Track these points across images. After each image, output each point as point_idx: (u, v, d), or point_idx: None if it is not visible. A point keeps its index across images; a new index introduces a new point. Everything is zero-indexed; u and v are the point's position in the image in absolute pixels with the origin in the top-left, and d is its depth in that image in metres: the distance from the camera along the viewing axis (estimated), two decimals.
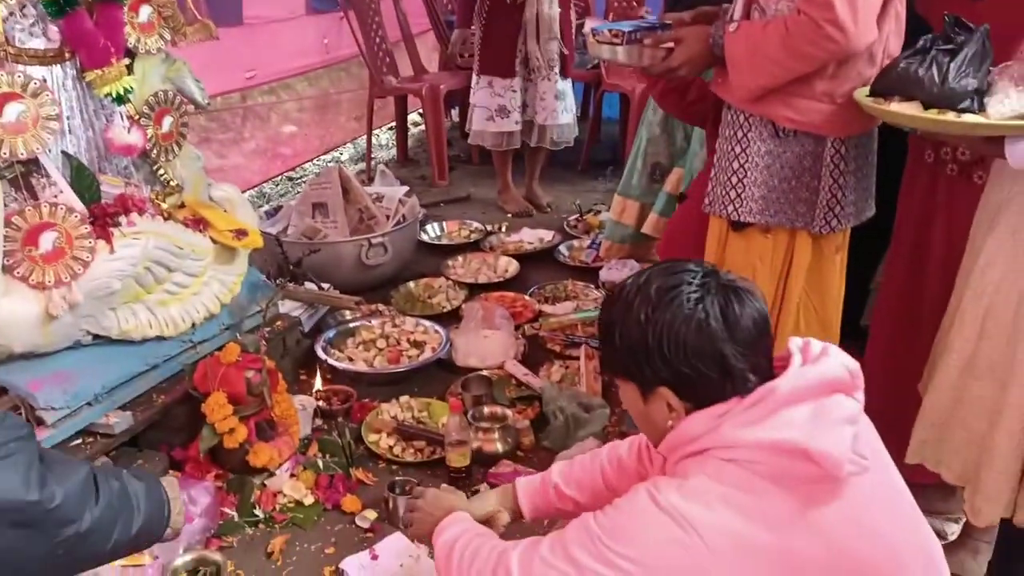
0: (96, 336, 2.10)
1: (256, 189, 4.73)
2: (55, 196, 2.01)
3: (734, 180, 1.91)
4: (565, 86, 4.07)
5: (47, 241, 1.93)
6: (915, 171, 1.97)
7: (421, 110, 5.18)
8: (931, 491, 1.88)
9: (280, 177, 5.01)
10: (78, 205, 2.03)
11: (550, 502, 1.59)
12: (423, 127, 5.25)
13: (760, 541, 1.07)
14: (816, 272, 1.95)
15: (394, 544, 2.00)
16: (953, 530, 2.05)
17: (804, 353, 1.18)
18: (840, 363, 1.16)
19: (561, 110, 4.04)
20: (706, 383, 1.14)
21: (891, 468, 1.21)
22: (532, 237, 3.87)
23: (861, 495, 1.11)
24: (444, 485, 1.69)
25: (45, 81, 2.04)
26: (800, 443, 1.07)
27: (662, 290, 1.16)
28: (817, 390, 1.12)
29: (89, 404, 2.04)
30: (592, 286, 3.35)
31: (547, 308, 3.18)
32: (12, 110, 1.93)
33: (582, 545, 1.14)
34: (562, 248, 3.72)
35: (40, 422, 1.97)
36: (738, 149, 1.90)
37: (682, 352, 1.13)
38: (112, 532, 1.23)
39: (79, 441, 2.02)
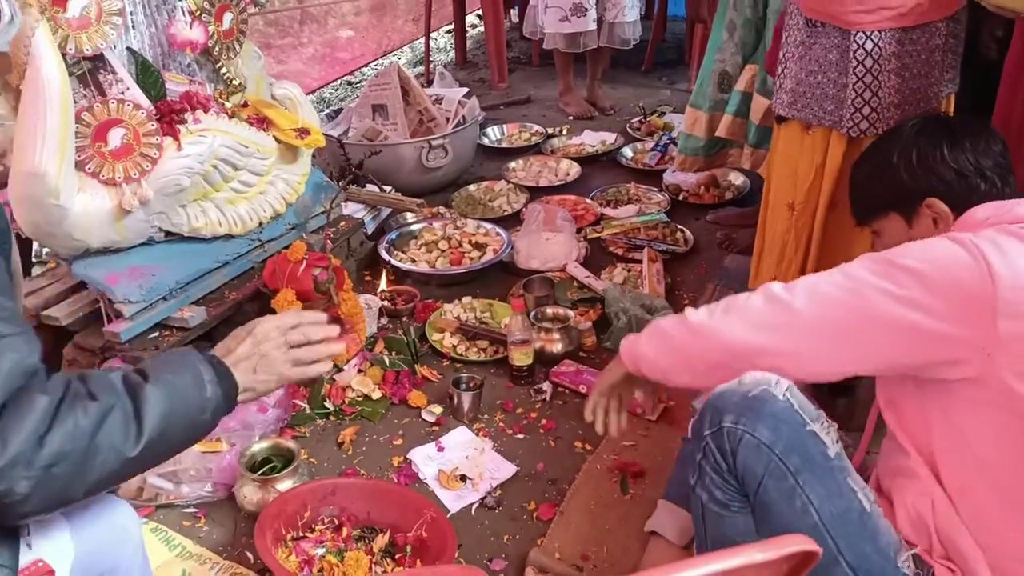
0: (168, 233, 2.15)
1: (316, 94, 4.71)
2: (122, 93, 2.02)
3: (778, 70, 1.85)
4: None
5: (115, 137, 1.95)
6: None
7: (479, 11, 5.04)
8: None
9: (339, 81, 4.98)
10: (144, 102, 2.04)
11: None
12: (481, 29, 5.11)
13: None
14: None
15: (459, 437, 2.05)
16: None
17: None
18: None
19: (630, 6, 3.85)
20: (967, 185, 1.30)
21: None
22: (594, 140, 3.78)
23: None
24: None
25: None
26: None
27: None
28: None
29: (164, 298, 2.09)
30: (655, 189, 3.28)
31: (609, 211, 3.13)
32: (75, 4, 1.92)
33: (864, 266, 1.19)
34: (625, 151, 3.62)
35: (118, 314, 2.04)
36: (784, 38, 1.84)
37: (941, 161, 1.31)
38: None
39: (156, 334, 2.09)
